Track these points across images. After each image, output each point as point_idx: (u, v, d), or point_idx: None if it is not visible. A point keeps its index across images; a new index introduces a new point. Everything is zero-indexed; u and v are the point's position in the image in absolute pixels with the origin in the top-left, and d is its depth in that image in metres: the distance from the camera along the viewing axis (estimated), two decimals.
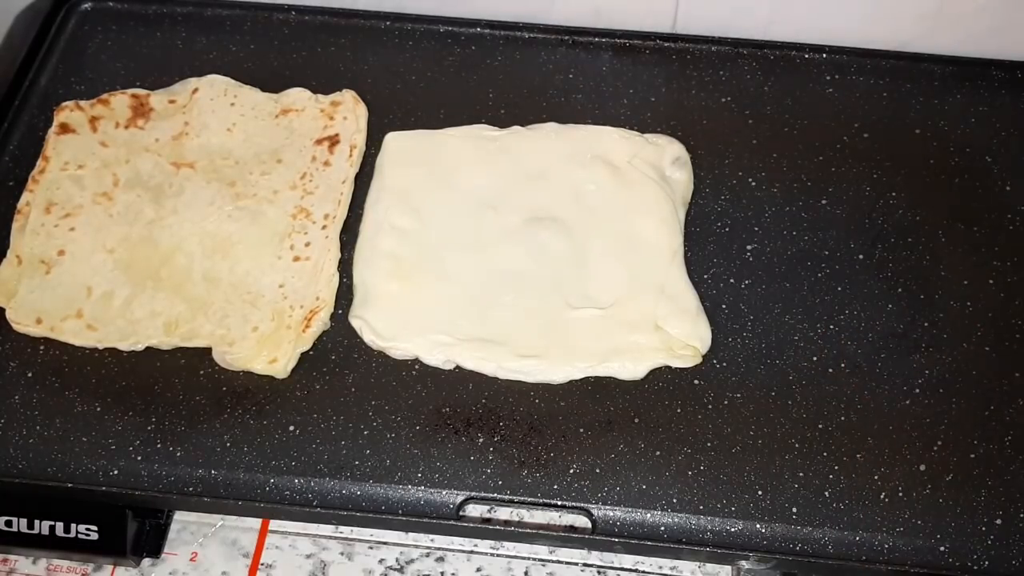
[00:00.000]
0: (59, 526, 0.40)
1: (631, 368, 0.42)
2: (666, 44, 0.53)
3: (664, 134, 0.49)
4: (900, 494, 0.40)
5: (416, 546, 0.43)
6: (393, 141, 0.49)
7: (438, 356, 0.43)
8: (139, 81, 0.51)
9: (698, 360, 0.43)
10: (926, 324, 0.44)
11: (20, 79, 0.52)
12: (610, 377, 0.42)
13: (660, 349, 0.43)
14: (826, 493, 0.40)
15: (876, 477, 0.40)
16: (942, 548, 0.39)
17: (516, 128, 0.49)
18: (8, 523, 0.40)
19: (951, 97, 0.51)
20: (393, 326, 0.43)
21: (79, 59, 0.53)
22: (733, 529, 0.39)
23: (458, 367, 0.43)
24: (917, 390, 0.43)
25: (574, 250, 0.45)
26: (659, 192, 0.47)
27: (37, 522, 0.40)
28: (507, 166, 0.48)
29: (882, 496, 0.40)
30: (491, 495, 0.40)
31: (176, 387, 0.42)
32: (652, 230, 0.46)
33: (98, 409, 0.42)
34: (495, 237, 0.46)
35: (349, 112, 0.49)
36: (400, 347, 0.43)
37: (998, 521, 0.39)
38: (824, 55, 0.53)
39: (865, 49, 0.53)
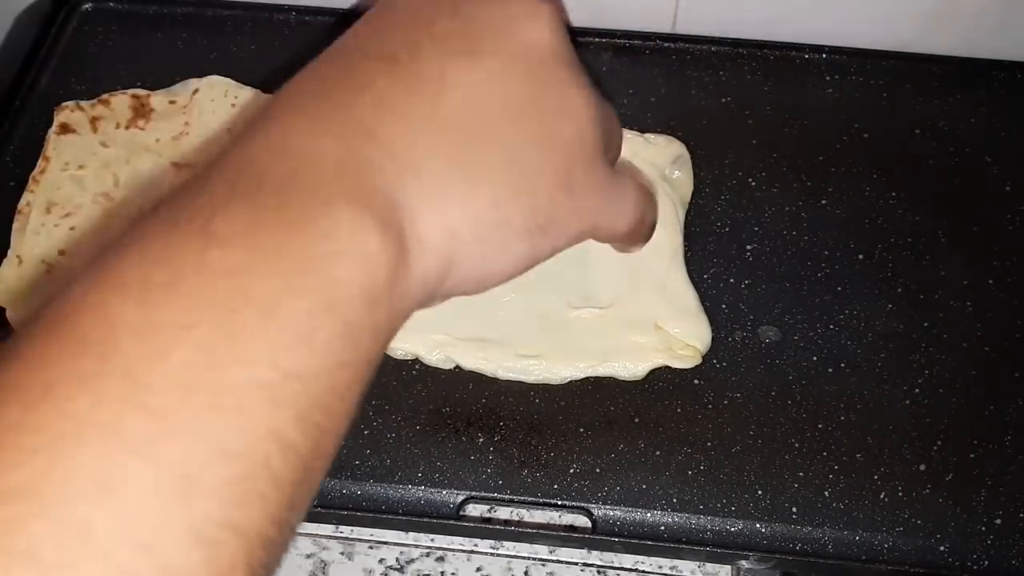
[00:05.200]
0: None
1: (631, 368, 0.42)
2: (666, 44, 0.53)
3: (664, 134, 0.49)
4: (900, 494, 0.40)
5: (416, 546, 0.43)
6: None
7: (438, 355, 0.43)
8: (140, 81, 0.51)
9: (698, 360, 0.43)
10: (926, 324, 0.44)
11: (20, 80, 0.52)
12: (610, 377, 0.42)
13: (660, 349, 0.43)
14: (826, 493, 0.40)
15: (876, 477, 0.40)
16: (942, 548, 0.39)
17: None
18: None
19: (951, 97, 0.51)
20: None
21: (80, 60, 0.53)
22: (733, 529, 0.39)
23: (458, 367, 0.43)
24: (917, 390, 0.43)
25: (574, 249, 0.45)
26: (660, 192, 0.47)
27: None
28: None
29: (882, 496, 0.40)
30: (491, 495, 0.40)
31: None
32: None
33: None
34: None
35: None
36: (400, 347, 0.43)
37: (998, 521, 0.39)
38: (824, 55, 0.53)
39: (865, 49, 0.53)
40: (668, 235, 0.46)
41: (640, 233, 0.30)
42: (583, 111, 0.25)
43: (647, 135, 0.49)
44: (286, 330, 0.19)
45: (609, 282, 0.44)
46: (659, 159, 0.48)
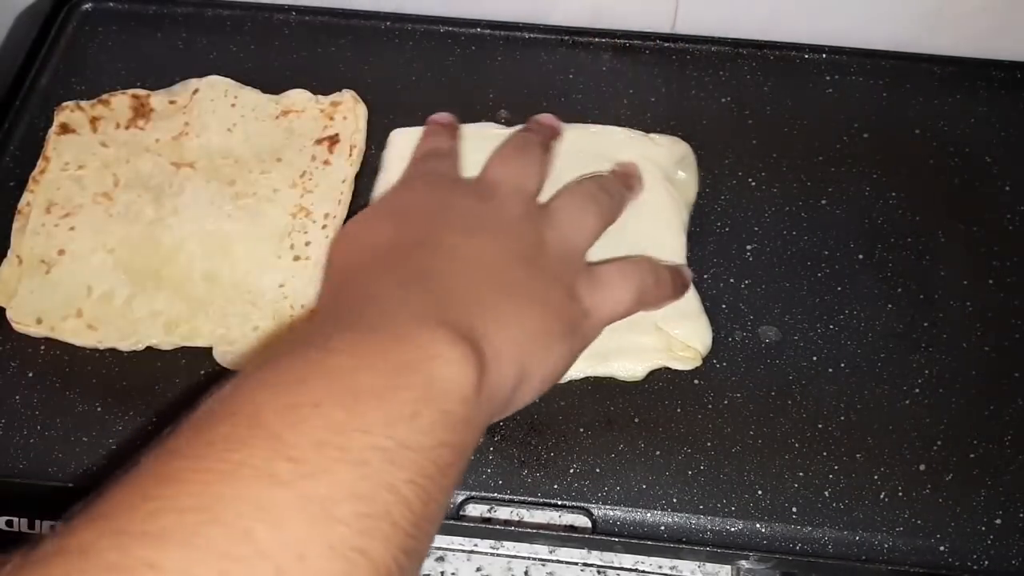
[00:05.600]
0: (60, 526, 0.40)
1: (630, 368, 0.42)
2: (666, 44, 0.53)
3: (669, 135, 0.49)
4: (900, 494, 0.40)
5: None
6: (399, 137, 0.49)
7: None
8: (139, 81, 0.51)
9: (698, 362, 0.43)
10: (926, 324, 0.44)
11: (20, 79, 0.52)
12: (610, 377, 0.42)
13: (660, 350, 0.42)
14: (826, 493, 0.40)
15: (876, 477, 0.40)
16: (942, 548, 0.39)
17: (520, 127, 0.49)
18: (9, 523, 0.40)
19: (951, 97, 0.51)
20: None
21: (80, 59, 0.53)
22: (733, 529, 0.39)
23: None
24: (917, 390, 0.43)
25: None
26: (663, 193, 0.46)
27: (38, 522, 0.40)
28: None
29: (882, 496, 0.40)
30: (491, 495, 0.40)
31: (177, 387, 0.42)
32: (655, 231, 0.45)
33: (99, 409, 0.42)
34: None
35: (349, 112, 0.49)
36: None
37: (998, 521, 0.39)
38: (824, 55, 0.53)
39: (865, 49, 0.53)
40: (671, 236, 0.45)
41: (652, 297, 0.39)
42: (548, 250, 0.35)
43: (652, 135, 0.49)
44: (396, 411, 0.25)
45: None
46: (664, 160, 0.48)
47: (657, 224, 0.46)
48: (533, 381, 0.31)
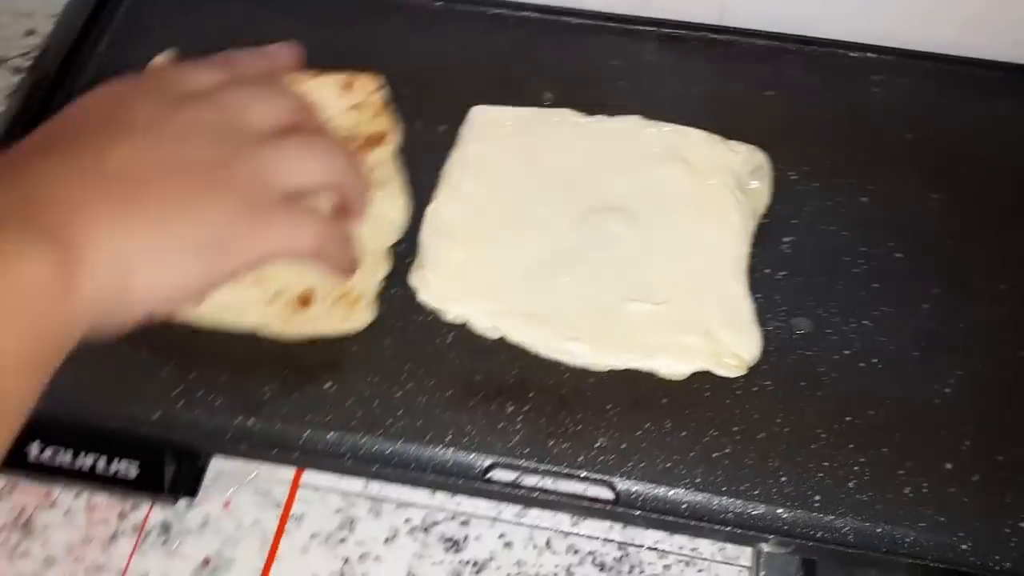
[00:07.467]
0: (101, 461, 0.41)
1: (674, 367, 0.42)
2: (712, 36, 0.54)
3: (747, 143, 0.48)
4: (925, 490, 0.40)
5: (442, 509, 0.44)
6: (479, 114, 0.50)
7: (487, 324, 0.43)
8: (195, 51, 0.52)
9: (743, 371, 0.42)
10: (960, 326, 0.44)
11: (78, 47, 0.53)
12: (650, 372, 0.42)
13: (707, 353, 0.42)
14: (850, 484, 0.40)
15: (901, 472, 0.40)
16: (964, 546, 0.39)
17: (601, 117, 0.50)
18: (54, 453, 0.42)
19: (996, 103, 0.51)
20: (450, 289, 0.44)
21: (134, 28, 0.54)
22: (754, 512, 0.40)
23: (503, 338, 0.43)
24: (948, 390, 0.42)
25: (637, 244, 0.45)
26: (733, 200, 0.46)
27: (81, 455, 0.41)
28: (587, 152, 0.48)
29: (906, 491, 0.40)
30: (517, 462, 0.41)
31: (218, 341, 0.44)
32: (719, 236, 0.45)
33: (144, 356, 0.43)
34: (562, 219, 0.46)
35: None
36: (453, 310, 0.44)
37: (1022, 524, 0.39)
38: (869, 55, 0.53)
39: (913, 51, 0.53)
40: (734, 243, 0.45)
41: (329, 261, 0.38)
42: (236, 176, 0.33)
43: (731, 142, 0.48)
44: None
45: (667, 280, 0.44)
46: (739, 167, 0.47)
47: (722, 232, 0.46)
48: (148, 288, 0.31)
